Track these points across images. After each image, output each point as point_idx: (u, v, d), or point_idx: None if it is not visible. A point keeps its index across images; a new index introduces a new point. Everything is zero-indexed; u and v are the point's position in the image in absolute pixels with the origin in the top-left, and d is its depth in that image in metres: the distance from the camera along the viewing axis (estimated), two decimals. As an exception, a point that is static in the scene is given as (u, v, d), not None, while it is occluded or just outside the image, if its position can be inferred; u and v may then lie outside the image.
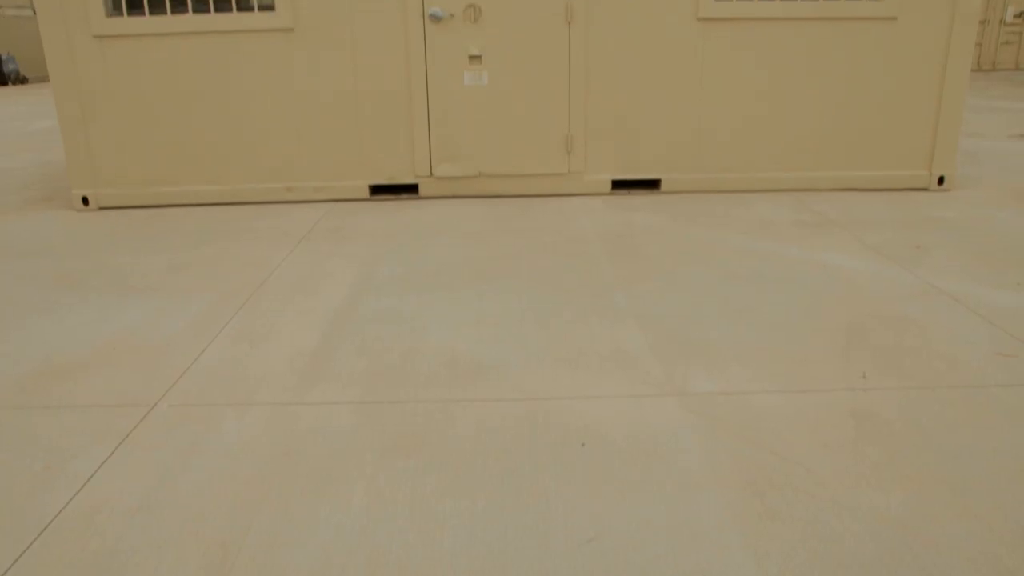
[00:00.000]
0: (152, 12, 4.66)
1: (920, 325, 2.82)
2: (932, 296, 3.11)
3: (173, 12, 4.66)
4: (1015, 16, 16.56)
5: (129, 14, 4.67)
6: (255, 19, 4.66)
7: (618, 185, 4.99)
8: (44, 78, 21.07)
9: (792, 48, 4.76)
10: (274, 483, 1.91)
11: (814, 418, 2.16)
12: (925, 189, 4.99)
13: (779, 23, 4.72)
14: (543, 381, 2.42)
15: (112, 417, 2.25)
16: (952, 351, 2.59)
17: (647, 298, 3.14)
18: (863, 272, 3.41)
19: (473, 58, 4.71)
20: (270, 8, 4.66)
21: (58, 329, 2.95)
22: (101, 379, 2.51)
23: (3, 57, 20.18)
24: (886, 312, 2.95)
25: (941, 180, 4.97)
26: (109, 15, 4.66)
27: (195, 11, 4.67)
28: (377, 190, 4.98)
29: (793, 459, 1.96)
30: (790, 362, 2.52)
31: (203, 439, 2.12)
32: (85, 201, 4.93)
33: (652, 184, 5.00)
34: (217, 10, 4.66)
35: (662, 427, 2.13)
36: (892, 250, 3.73)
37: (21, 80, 20.68)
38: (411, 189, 4.98)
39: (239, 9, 4.68)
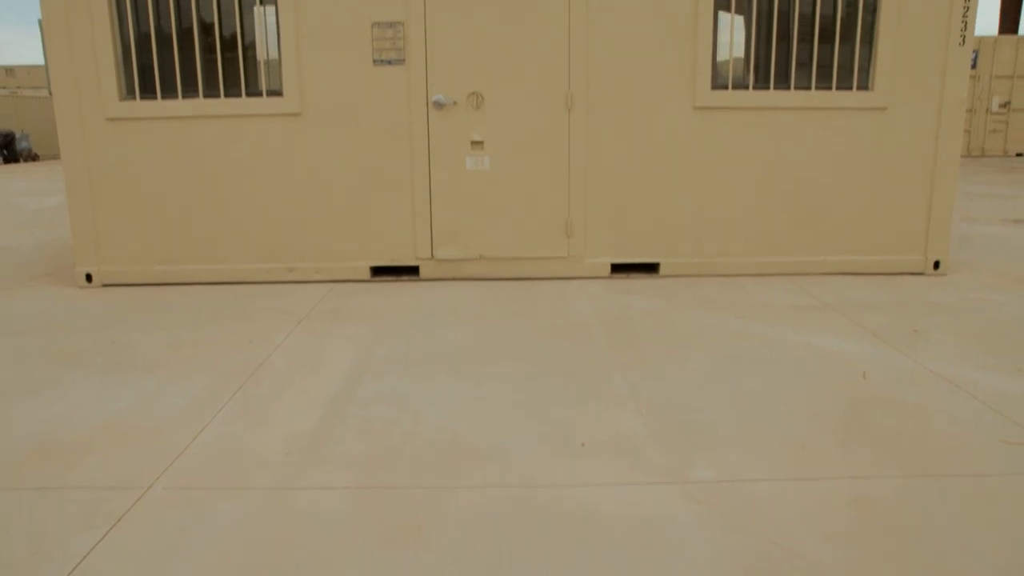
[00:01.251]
0: (164, 94, 4.81)
1: (921, 411, 2.81)
2: (932, 381, 3.11)
3: (184, 96, 4.81)
4: (1000, 106, 17.06)
5: (141, 96, 4.82)
6: (264, 104, 4.81)
7: (617, 268, 5.04)
8: (55, 156, 21.54)
9: (787, 136, 4.90)
10: (267, 571, 1.87)
11: (816, 507, 2.13)
12: (921, 273, 5.04)
13: (774, 112, 4.87)
14: (542, 467, 2.40)
15: (105, 500, 2.22)
16: (954, 438, 2.57)
17: (647, 382, 3.13)
18: (861, 356, 3.42)
19: (475, 143, 4.83)
20: (278, 94, 4.81)
21: (55, 408, 2.93)
22: (96, 460, 2.48)
23: (17, 135, 20.69)
24: (885, 397, 2.94)
25: (936, 265, 5.03)
26: (122, 98, 4.81)
27: (205, 95, 4.82)
28: (378, 271, 5.03)
29: (795, 550, 1.92)
30: (790, 448, 2.50)
31: (197, 524, 2.09)
32: (88, 278, 4.98)
33: (651, 268, 5.05)
34: (227, 95, 4.81)
35: (662, 515, 2.10)
36: (890, 334, 3.74)
37: (33, 157, 21.14)
38: (412, 271, 5.03)
39: (248, 94, 4.83)
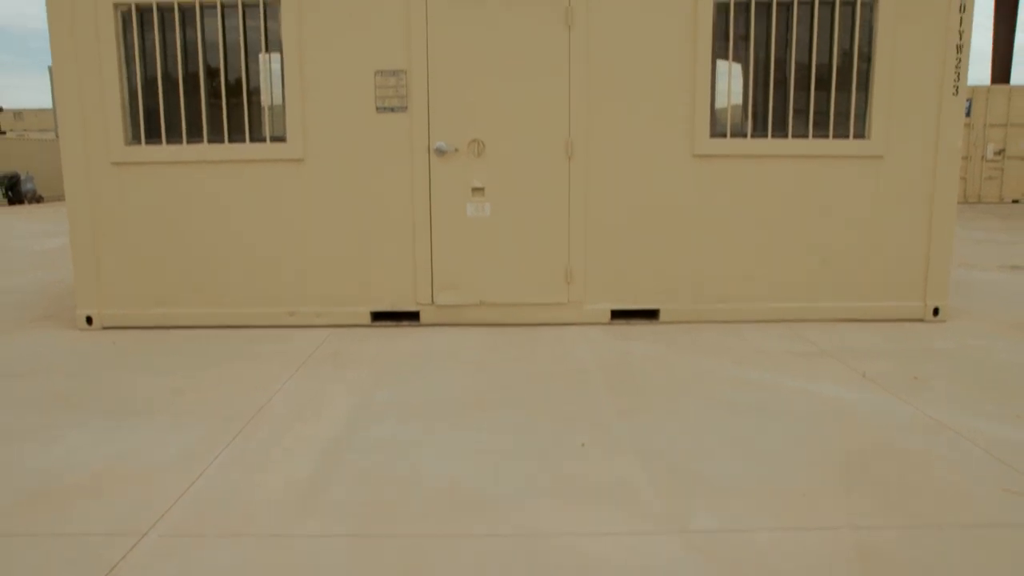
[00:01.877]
0: (169, 139, 4.88)
1: (922, 458, 2.79)
2: (933, 429, 3.09)
3: (189, 141, 4.88)
4: (995, 153, 17.27)
5: (147, 141, 4.89)
6: (267, 150, 4.87)
7: (617, 315, 5.05)
8: (59, 197, 21.70)
9: (785, 183, 4.95)
10: (262, 623, 1.84)
11: (818, 556, 2.11)
12: (920, 320, 5.05)
13: (772, 160, 4.93)
14: (542, 516, 2.38)
15: (100, 547, 2.20)
16: (957, 487, 2.55)
17: (647, 430, 3.12)
18: (861, 404, 3.41)
19: (476, 190, 4.89)
20: (282, 139, 4.88)
21: (51, 452, 2.92)
22: (91, 506, 2.46)
23: (22, 177, 20.88)
24: (887, 445, 2.93)
25: (936, 311, 5.04)
26: (128, 143, 4.88)
27: (210, 141, 4.88)
28: (379, 316, 5.04)
29: (799, 603, 1.90)
30: (791, 497, 2.49)
31: (191, 572, 2.06)
32: (89, 320, 4.99)
33: (651, 314, 5.06)
34: (231, 140, 4.88)
35: (663, 565, 2.07)
36: (890, 381, 3.74)
37: (37, 199, 21.30)
38: (412, 316, 5.04)
39: (252, 139, 4.90)
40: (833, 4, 4.84)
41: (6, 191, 20.28)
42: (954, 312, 5.23)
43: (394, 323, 5.03)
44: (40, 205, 20.53)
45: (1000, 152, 17.26)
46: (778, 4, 4.83)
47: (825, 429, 3.11)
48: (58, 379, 3.91)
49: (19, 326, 5.15)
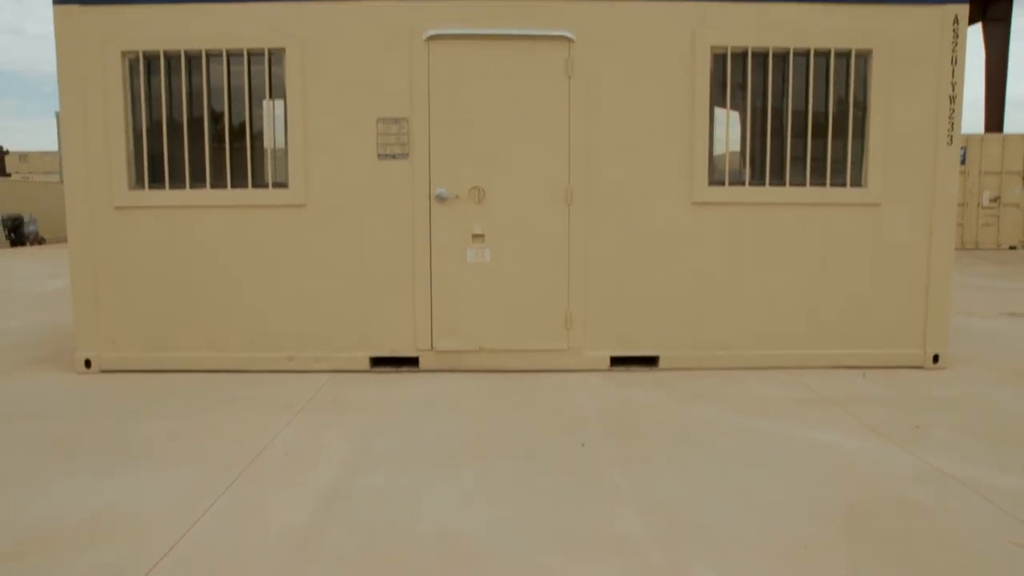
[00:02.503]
0: (172, 183, 4.93)
1: (925, 510, 2.76)
2: (935, 479, 3.06)
3: (192, 186, 4.92)
4: (991, 200, 17.42)
5: (150, 186, 4.93)
6: (269, 195, 4.91)
7: (617, 361, 5.04)
8: (61, 239, 21.82)
9: (783, 231, 4.99)
10: None
11: (823, 614, 2.07)
12: (920, 367, 5.04)
13: (770, 208, 4.97)
14: (540, 568, 2.34)
15: (91, 600, 2.16)
16: (962, 540, 2.52)
17: (647, 479, 3.09)
18: (863, 452, 3.38)
19: (476, 236, 4.92)
20: (284, 185, 4.92)
21: (43, 498, 2.88)
22: (81, 555, 2.42)
23: (25, 219, 21.02)
24: (889, 496, 2.90)
25: (936, 358, 5.03)
26: (131, 188, 4.92)
27: (213, 186, 4.93)
28: (378, 362, 5.03)
29: (803, 661, 1.86)
30: (793, 549, 2.45)
31: (184, 627, 2.02)
32: (88, 364, 4.97)
33: (650, 361, 5.05)
34: (234, 186, 4.93)
35: (664, 622, 2.03)
36: (892, 430, 3.71)
37: (39, 241, 21.41)
38: (412, 362, 5.02)
39: (254, 185, 4.94)
40: (828, 55, 4.93)
41: (8, 233, 20.38)
42: (954, 359, 5.22)
43: (393, 369, 5.01)
44: (42, 247, 20.61)
45: (996, 199, 17.41)
46: (774, 54, 4.92)
47: (827, 479, 3.08)
48: (54, 423, 3.88)
49: (17, 368, 5.13)
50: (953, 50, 4.90)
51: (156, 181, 4.95)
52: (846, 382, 4.67)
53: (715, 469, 3.19)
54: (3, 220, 20.39)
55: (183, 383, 4.69)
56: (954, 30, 4.89)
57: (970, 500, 2.86)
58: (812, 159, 4.99)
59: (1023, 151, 17.42)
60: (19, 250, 19.17)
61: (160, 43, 4.82)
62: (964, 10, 4.90)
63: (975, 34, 20.26)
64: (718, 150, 5.01)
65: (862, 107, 4.98)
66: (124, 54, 4.84)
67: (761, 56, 4.93)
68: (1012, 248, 17.54)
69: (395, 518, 2.71)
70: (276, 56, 4.87)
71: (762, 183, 4.98)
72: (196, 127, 4.94)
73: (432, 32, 4.78)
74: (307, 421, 3.90)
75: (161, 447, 3.49)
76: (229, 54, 4.88)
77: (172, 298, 4.97)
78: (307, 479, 3.09)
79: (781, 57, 4.94)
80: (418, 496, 2.91)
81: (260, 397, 4.36)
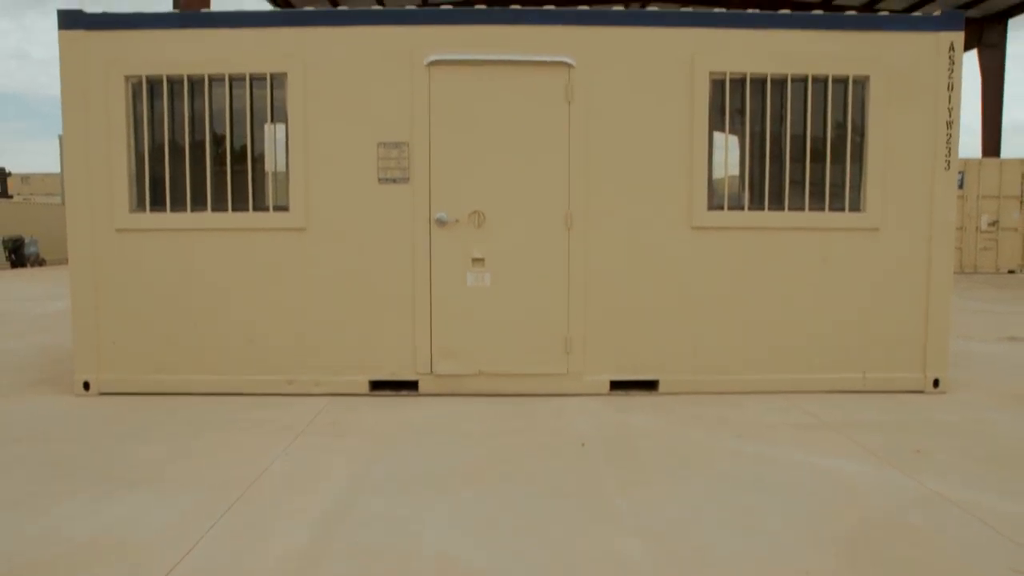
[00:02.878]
0: (173, 206, 4.95)
1: (927, 536, 2.75)
2: (936, 504, 3.05)
3: (193, 209, 4.94)
4: (989, 224, 17.48)
5: (151, 208, 4.95)
6: (270, 219, 4.93)
7: (616, 385, 5.03)
8: (62, 260, 21.81)
9: (783, 255, 5.00)
10: None
11: (825, 642, 2.06)
12: (920, 391, 5.03)
13: (769, 232, 4.99)
14: (540, 594, 2.33)
15: (87, 626, 2.14)
16: (964, 567, 2.50)
17: (647, 505, 3.08)
18: (864, 477, 3.37)
19: (476, 260, 4.93)
20: (284, 208, 4.94)
21: (39, 522, 2.87)
22: (80, 582, 2.41)
23: (26, 240, 21.04)
24: (890, 521, 2.88)
25: (936, 383, 5.03)
26: (132, 210, 4.94)
27: (213, 209, 4.94)
28: (377, 385, 5.02)
29: None
30: (794, 575, 2.44)
31: (180, 654, 2.00)
32: (86, 386, 4.96)
33: (650, 385, 5.04)
34: (234, 209, 4.94)
35: (665, 650, 2.02)
36: (892, 455, 3.70)
37: (40, 262, 21.41)
38: (411, 386, 5.01)
39: (255, 208, 4.96)
40: (826, 80, 4.97)
41: (9, 254, 20.40)
42: (954, 384, 5.21)
43: (393, 392, 5.00)
44: (42, 268, 20.62)
45: (994, 223, 17.47)
46: (773, 80, 4.96)
47: (828, 504, 3.06)
48: (52, 445, 3.86)
49: (16, 390, 5.12)
50: (949, 76, 4.95)
51: (157, 204, 4.97)
52: (847, 407, 4.65)
53: (716, 495, 3.18)
54: (4, 241, 20.42)
55: (182, 406, 4.68)
56: (950, 57, 4.94)
57: (971, 525, 2.84)
58: (811, 184, 5.01)
59: (1020, 175, 17.50)
60: (19, 271, 19.18)
61: (163, 67, 4.86)
62: (960, 37, 4.95)
63: (971, 60, 20.43)
64: (717, 175, 5.04)
65: (860, 132, 5.01)
66: (127, 78, 4.88)
67: (760, 82, 4.98)
68: (1011, 272, 17.57)
69: (394, 542, 2.69)
70: (278, 80, 4.91)
71: (761, 207, 5.01)
72: (197, 150, 4.97)
73: (433, 57, 4.82)
74: (307, 444, 3.89)
75: (160, 470, 3.48)
76: (231, 78, 4.92)
77: (172, 321, 4.97)
78: (306, 502, 3.07)
79: (779, 83, 4.99)
80: (418, 521, 2.89)
81: (259, 420, 4.34)
